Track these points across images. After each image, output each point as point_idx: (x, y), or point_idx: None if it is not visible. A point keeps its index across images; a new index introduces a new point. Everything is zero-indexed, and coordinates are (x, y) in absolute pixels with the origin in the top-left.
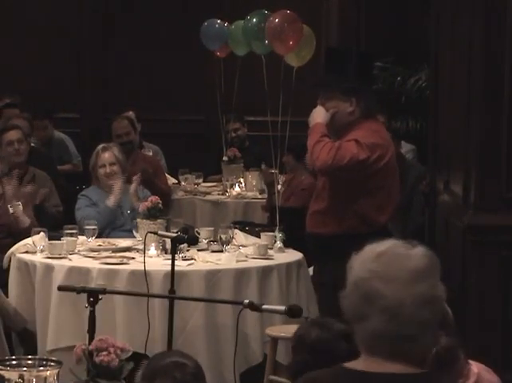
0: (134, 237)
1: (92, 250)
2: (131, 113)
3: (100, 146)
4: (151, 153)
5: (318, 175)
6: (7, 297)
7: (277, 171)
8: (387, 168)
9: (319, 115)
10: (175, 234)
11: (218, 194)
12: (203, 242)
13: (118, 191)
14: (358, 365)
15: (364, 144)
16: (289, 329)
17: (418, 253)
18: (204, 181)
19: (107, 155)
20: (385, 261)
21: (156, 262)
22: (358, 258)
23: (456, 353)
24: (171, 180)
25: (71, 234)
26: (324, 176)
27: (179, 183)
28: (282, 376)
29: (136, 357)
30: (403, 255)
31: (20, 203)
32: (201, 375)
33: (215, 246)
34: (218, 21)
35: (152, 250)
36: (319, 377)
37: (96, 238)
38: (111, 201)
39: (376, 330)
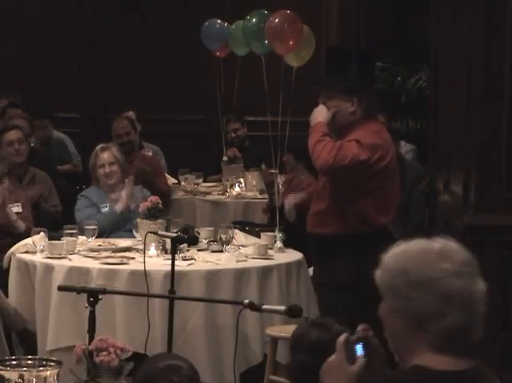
0: (134, 237)
1: (92, 250)
2: (131, 113)
3: (99, 146)
4: (150, 153)
5: (319, 174)
6: (7, 297)
7: (277, 171)
8: (387, 169)
9: (320, 114)
10: (175, 234)
11: (218, 194)
12: (203, 242)
13: (125, 198)
14: (427, 363)
15: (365, 144)
16: (289, 329)
17: (457, 245)
18: (204, 181)
19: (106, 156)
20: (451, 258)
21: (156, 262)
22: (412, 259)
23: None
24: (171, 180)
25: (71, 234)
26: (324, 176)
27: (179, 183)
28: (282, 376)
29: (136, 357)
30: (455, 250)
31: (19, 204)
32: (197, 377)
33: (215, 246)
34: (219, 21)
35: (152, 250)
36: (389, 378)
37: (96, 238)
38: (118, 208)
39: (453, 327)
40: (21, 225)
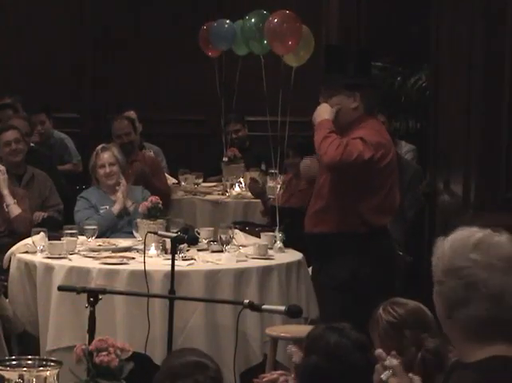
0: (134, 237)
1: (92, 250)
2: (132, 113)
3: (100, 146)
4: (152, 153)
5: (323, 171)
6: (6, 297)
7: (277, 171)
8: (389, 168)
9: (325, 111)
10: (175, 234)
11: (218, 194)
12: (203, 242)
13: (122, 199)
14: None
15: (370, 142)
16: (289, 329)
17: (506, 240)
18: (204, 181)
19: (106, 156)
20: (484, 249)
21: (156, 262)
22: (450, 246)
23: (443, 354)
24: (171, 180)
25: (71, 234)
26: (330, 172)
27: (179, 183)
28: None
29: (136, 357)
30: (497, 243)
31: (15, 201)
32: (220, 377)
33: (215, 246)
34: (228, 21)
35: (152, 250)
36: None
37: (96, 238)
38: (116, 208)
39: (477, 317)
40: (16, 210)
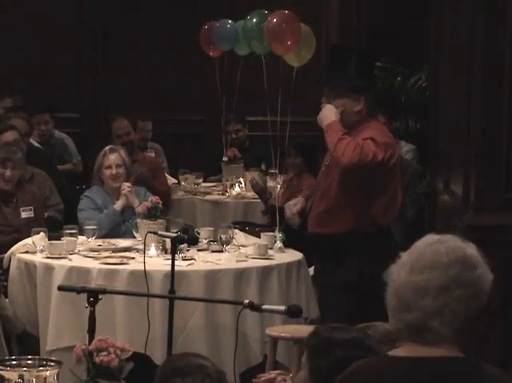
0: (134, 238)
1: (92, 250)
2: (149, 123)
3: (108, 147)
4: (153, 154)
5: (323, 174)
6: (7, 297)
7: (277, 171)
8: (395, 167)
9: (331, 112)
10: (175, 234)
11: (218, 194)
12: (203, 242)
13: (127, 196)
14: (399, 352)
15: (380, 142)
16: (289, 329)
17: (437, 250)
18: (204, 181)
19: (114, 157)
20: (408, 252)
21: (156, 262)
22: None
23: None
24: (171, 180)
25: (71, 234)
26: (347, 174)
27: (179, 183)
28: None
29: (136, 357)
30: (418, 245)
31: (31, 207)
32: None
33: (215, 246)
34: (230, 22)
35: (152, 250)
36: (365, 367)
37: (96, 238)
38: (119, 205)
39: (389, 312)
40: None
